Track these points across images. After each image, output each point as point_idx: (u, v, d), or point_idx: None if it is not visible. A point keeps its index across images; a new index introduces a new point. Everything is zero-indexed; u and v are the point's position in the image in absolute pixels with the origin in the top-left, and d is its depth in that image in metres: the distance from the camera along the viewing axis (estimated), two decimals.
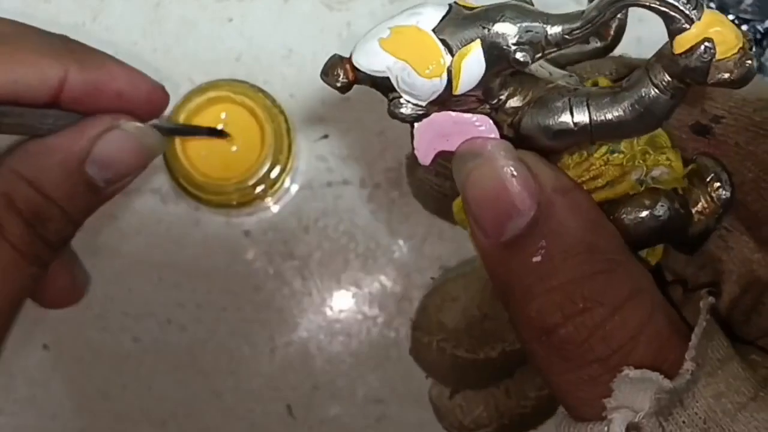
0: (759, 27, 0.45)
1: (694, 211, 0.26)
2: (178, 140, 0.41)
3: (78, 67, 0.30)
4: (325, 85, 0.46)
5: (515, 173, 0.23)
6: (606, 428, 0.23)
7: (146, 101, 0.33)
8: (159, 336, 0.46)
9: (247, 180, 0.41)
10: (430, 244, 0.46)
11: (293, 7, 0.46)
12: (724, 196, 0.25)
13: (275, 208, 0.46)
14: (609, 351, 0.23)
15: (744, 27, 0.45)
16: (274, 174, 0.42)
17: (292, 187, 0.45)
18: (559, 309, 0.23)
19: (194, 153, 0.41)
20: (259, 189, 0.42)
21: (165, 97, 0.34)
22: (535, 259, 0.23)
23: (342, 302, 0.46)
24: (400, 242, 0.46)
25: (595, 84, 0.25)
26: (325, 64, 0.26)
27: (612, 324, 0.23)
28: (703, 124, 0.26)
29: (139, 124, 0.32)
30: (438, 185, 0.31)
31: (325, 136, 0.46)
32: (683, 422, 0.23)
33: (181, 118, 0.41)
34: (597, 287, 0.23)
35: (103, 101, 0.31)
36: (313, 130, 0.45)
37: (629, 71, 0.26)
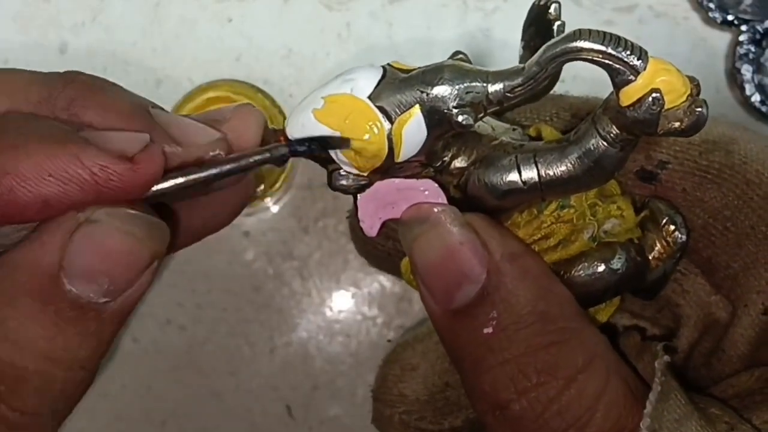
0: (758, 27, 0.45)
1: (651, 257, 0.25)
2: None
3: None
4: None
5: (463, 240, 0.23)
6: None
7: (93, 184, 0.21)
8: (158, 336, 0.46)
9: None
10: None
11: (293, 7, 0.46)
12: (680, 240, 0.25)
13: (275, 209, 0.46)
14: (565, 425, 0.22)
15: (743, 27, 0.45)
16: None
17: (291, 187, 0.45)
18: (513, 383, 0.22)
19: None
20: (258, 189, 0.42)
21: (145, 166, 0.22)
22: (486, 331, 0.23)
23: (341, 303, 0.46)
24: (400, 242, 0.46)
25: (538, 133, 0.25)
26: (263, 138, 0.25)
27: (567, 397, 0.22)
28: (648, 171, 0.25)
29: (113, 209, 0.22)
30: (382, 245, 0.30)
31: None
32: None
33: None
34: (550, 359, 0.22)
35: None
36: None
37: (571, 114, 0.26)
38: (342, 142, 0.23)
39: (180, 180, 0.22)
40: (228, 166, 0.23)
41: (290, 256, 0.46)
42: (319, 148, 0.24)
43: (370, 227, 0.25)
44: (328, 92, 0.23)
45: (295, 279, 0.46)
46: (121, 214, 0.22)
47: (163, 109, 0.24)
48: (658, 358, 0.24)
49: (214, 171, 0.23)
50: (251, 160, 0.23)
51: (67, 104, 0.22)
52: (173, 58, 0.45)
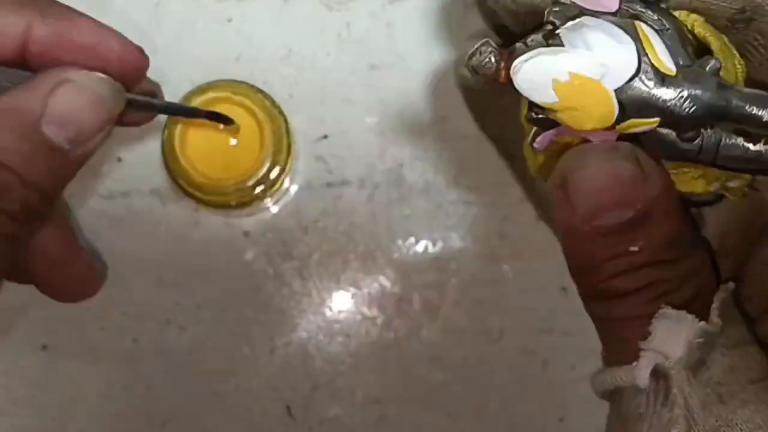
0: None
1: None
2: (177, 140, 0.41)
3: (42, 19, 0.29)
4: (325, 86, 0.46)
5: (627, 172, 0.25)
6: (633, 369, 0.25)
7: (119, 58, 0.30)
8: (158, 336, 0.46)
9: (246, 180, 0.41)
10: (429, 245, 0.46)
11: (293, 7, 0.46)
12: None
13: (275, 209, 0.46)
14: (669, 301, 0.26)
15: None
16: (273, 174, 0.42)
17: (291, 187, 0.45)
18: (640, 281, 0.26)
19: (193, 153, 0.41)
20: (258, 189, 0.42)
21: (141, 58, 0.31)
22: (631, 248, 0.26)
23: (341, 303, 0.46)
24: (400, 243, 0.46)
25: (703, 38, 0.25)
26: (479, 50, 0.24)
27: (677, 293, 0.26)
28: None
29: (93, 75, 0.29)
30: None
31: (325, 137, 0.46)
32: (704, 381, 0.24)
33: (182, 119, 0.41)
34: (672, 270, 0.26)
35: (69, 57, 0.29)
36: (313, 131, 0.45)
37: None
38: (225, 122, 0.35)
39: (145, 100, 0.34)
40: (177, 108, 0.37)
41: (290, 256, 0.46)
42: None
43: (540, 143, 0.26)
44: (576, 66, 0.23)
45: (294, 279, 0.46)
46: (94, 77, 0.29)
47: None
48: (723, 285, 0.27)
49: (167, 106, 0.37)
50: (198, 112, 0.37)
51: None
52: (173, 59, 0.45)
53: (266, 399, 0.46)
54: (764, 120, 0.23)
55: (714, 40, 0.25)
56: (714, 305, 0.26)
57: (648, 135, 0.24)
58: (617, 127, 0.24)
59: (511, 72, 0.23)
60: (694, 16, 0.25)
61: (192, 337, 0.46)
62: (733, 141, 0.24)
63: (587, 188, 0.26)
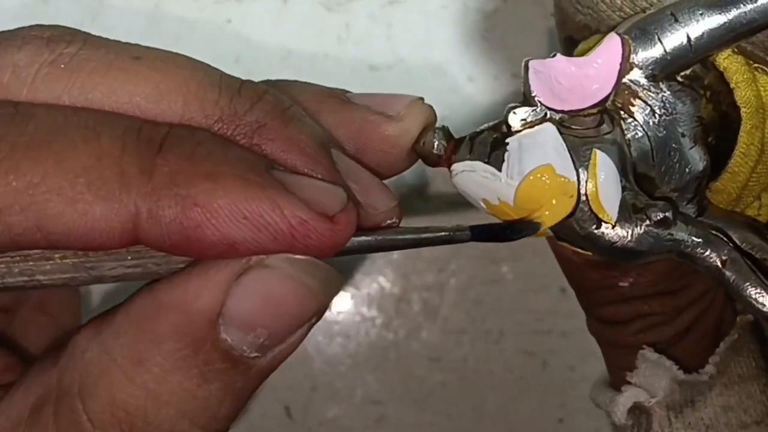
0: None
1: None
2: None
3: (155, 206, 0.18)
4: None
5: None
6: (615, 399, 0.24)
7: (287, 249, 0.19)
8: None
9: None
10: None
11: (292, 8, 0.46)
12: None
13: None
14: (660, 337, 0.26)
15: None
16: None
17: None
18: (631, 313, 0.26)
19: None
20: None
21: (333, 231, 0.20)
22: (621, 284, 0.25)
23: (340, 303, 0.46)
24: None
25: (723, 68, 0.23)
26: (432, 133, 0.23)
27: (667, 325, 0.26)
28: None
29: (294, 257, 0.19)
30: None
31: None
32: (689, 423, 0.24)
33: None
34: (662, 302, 0.26)
35: (205, 254, 0.19)
36: None
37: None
38: (533, 228, 0.22)
39: (369, 241, 0.21)
40: (407, 238, 0.21)
41: None
42: (503, 236, 0.22)
43: None
44: (505, 197, 0.22)
45: None
46: (301, 261, 0.19)
47: (342, 149, 0.22)
48: (741, 316, 0.26)
49: (396, 240, 0.21)
50: (431, 237, 0.21)
51: (252, 131, 0.20)
52: None
53: (265, 400, 0.46)
54: (713, 266, 0.22)
55: (747, 120, 0.22)
56: (716, 352, 0.25)
57: None
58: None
59: (449, 169, 0.23)
60: (741, 77, 0.23)
61: None
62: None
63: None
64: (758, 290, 0.22)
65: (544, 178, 0.21)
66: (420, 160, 0.23)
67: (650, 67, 0.22)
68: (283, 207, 0.18)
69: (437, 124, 0.23)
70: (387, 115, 0.23)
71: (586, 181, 0.21)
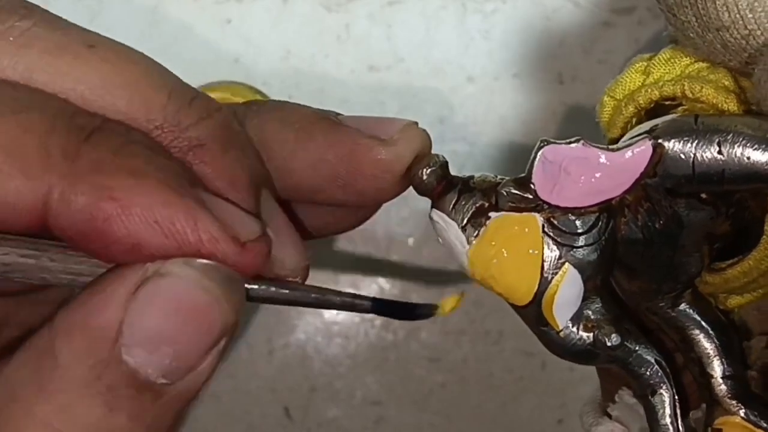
0: None
1: None
2: None
3: (72, 189, 0.17)
4: (324, 87, 0.46)
5: None
6: (593, 430, 0.24)
7: (212, 245, 0.18)
8: None
9: None
10: (428, 246, 0.46)
11: (292, 8, 0.46)
12: None
13: None
14: None
15: None
16: None
17: None
18: None
19: None
20: None
21: (253, 250, 0.19)
22: None
23: None
24: (398, 244, 0.46)
25: None
26: (431, 161, 0.22)
27: None
28: None
29: (192, 261, 0.18)
30: None
31: None
32: None
33: None
34: None
35: (113, 248, 0.18)
36: None
37: None
38: (430, 314, 0.22)
39: (270, 291, 0.20)
40: (310, 296, 0.21)
41: None
42: (401, 315, 0.22)
43: None
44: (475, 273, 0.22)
45: None
46: (198, 264, 0.18)
47: (274, 191, 0.21)
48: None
49: (296, 296, 0.21)
50: (333, 300, 0.21)
51: (190, 148, 0.19)
52: (172, 60, 0.45)
53: (264, 400, 0.46)
54: (646, 385, 0.22)
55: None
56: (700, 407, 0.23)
57: None
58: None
59: (432, 206, 0.22)
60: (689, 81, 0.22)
61: None
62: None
63: None
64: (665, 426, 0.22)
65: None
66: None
67: (671, 183, 0.20)
68: (197, 219, 0.18)
69: (436, 156, 0.22)
70: (380, 138, 0.21)
71: (547, 287, 0.21)
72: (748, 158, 0.19)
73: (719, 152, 0.20)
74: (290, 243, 0.21)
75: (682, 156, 0.20)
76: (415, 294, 0.46)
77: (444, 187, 0.22)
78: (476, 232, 0.21)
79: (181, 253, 0.18)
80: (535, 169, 0.21)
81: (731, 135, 0.20)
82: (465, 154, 0.45)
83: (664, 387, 0.22)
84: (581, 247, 0.21)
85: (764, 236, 0.21)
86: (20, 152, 0.17)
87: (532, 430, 0.46)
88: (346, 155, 0.21)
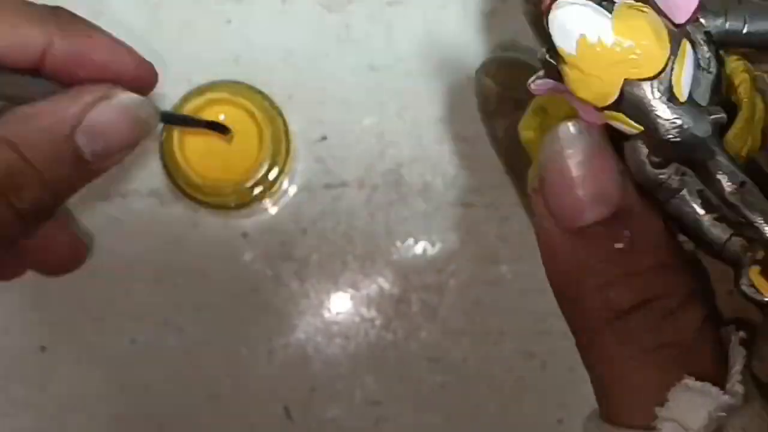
0: None
1: None
2: (176, 141, 0.41)
3: (62, 35, 0.30)
4: (324, 87, 0.46)
5: (603, 165, 0.24)
6: None
7: (133, 77, 0.32)
8: (156, 337, 0.46)
9: (245, 182, 0.41)
10: (428, 246, 0.46)
11: (292, 8, 0.46)
12: None
13: (273, 210, 0.46)
14: (680, 338, 0.23)
15: None
16: (272, 176, 0.42)
17: (290, 188, 0.45)
18: (639, 294, 0.23)
19: (192, 154, 0.41)
20: (257, 191, 0.42)
21: (152, 73, 0.33)
22: (617, 246, 0.23)
23: (340, 304, 0.46)
24: (398, 244, 0.46)
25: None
26: None
27: (683, 315, 0.23)
28: None
29: (135, 96, 0.31)
30: None
31: (324, 138, 0.46)
32: None
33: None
34: (671, 279, 0.24)
35: (85, 73, 0.30)
36: (312, 132, 0.45)
37: None
38: (223, 131, 0.35)
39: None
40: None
41: (288, 257, 0.46)
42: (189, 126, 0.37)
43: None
44: (608, 39, 0.23)
45: (293, 280, 0.46)
46: (136, 99, 0.31)
47: None
48: (733, 343, 0.24)
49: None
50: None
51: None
52: (172, 60, 0.45)
53: (264, 400, 0.46)
54: (726, 192, 0.22)
55: (746, 110, 0.24)
56: (735, 369, 0.23)
57: (627, 143, 0.24)
58: (606, 113, 0.23)
59: (553, 4, 0.22)
60: (745, 76, 0.24)
61: (190, 338, 0.46)
62: (690, 200, 0.24)
63: (565, 182, 0.24)
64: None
65: (647, 20, 0.22)
66: None
67: (709, 29, 0.23)
68: (136, 55, 0.33)
69: None
70: None
71: (674, 63, 0.22)
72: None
73: (739, 2, 0.24)
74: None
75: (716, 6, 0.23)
76: (415, 294, 0.46)
77: None
78: (610, 7, 0.22)
79: (125, 69, 0.31)
80: None
81: None
82: (465, 155, 0.45)
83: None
84: (688, 35, 0.23)
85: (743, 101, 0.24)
86: (27, 12, 0.29)
87: (531, 430, 0.46)
88: None
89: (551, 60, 0.23)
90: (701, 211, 0.24)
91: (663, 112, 0.22)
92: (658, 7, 0.23)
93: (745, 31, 0.24)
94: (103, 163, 0.31)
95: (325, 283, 0.46)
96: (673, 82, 0.22)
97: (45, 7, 0.30)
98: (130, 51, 0.32)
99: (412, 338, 0.46)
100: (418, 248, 0.46)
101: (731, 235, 0.23)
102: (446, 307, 0.46)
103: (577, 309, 0.25)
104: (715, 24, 0.24)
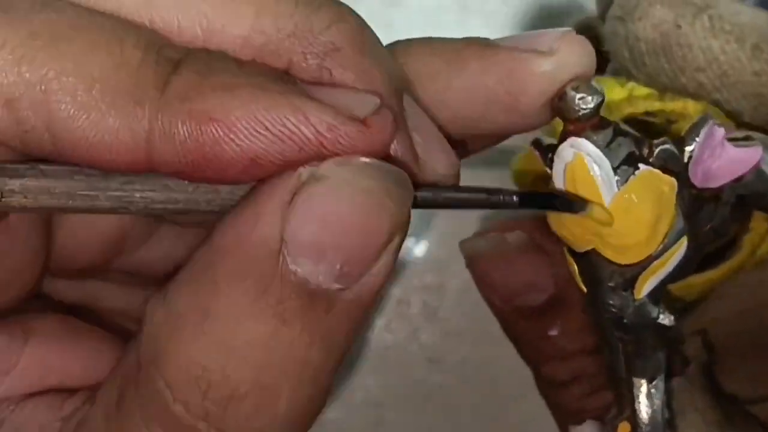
0: None
1: None
2: None
3: (163, 122, 0.17)
4: None
5: (532, 259, 0.25)
6: None
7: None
8: None
9: None
10: (428, 247, 0.46)
11: None
12: None
13: None
14: (602, 412, 0.24)
15: None
16: None
17: None
18: (569, 373, 0.26)
19: None
20: None
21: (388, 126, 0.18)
22: (551, 332, 0.25)
23: None
24: None
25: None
26: (589, 88, 0.20)
27: (606, 393, 0.24)
28: None
29: (345, 159, 0.17)
30: None
31: None
32: None
33: None
34: (598, 361, 0.25)
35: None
36: None
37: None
38: (581, 207, 0.20)
39: (428, 196, 0.19)
40: (450, 197, 0.19)
41: None
42: (551, 208, 0.21)
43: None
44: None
45: None
46: (354, 164, 0.17)
47: (414, 96, 0.20)
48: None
49: (454, 197, 0.19)
50: (483, 199, 0.19)
51: (325, 53, 0.18)
52: None
53: None
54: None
55: (737, 261, 0.24)
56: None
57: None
58: (566, 250, 0.21)
59: (570, 138, 0.20)
60: (764, 226, 0.24)
61: None
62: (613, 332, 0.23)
63: (492, 280, 0.26)
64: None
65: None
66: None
67: (747, 191, 0.22)
68: (307, 112, 0.16)
69: (595, 84, 0.20)
70: (538, 51, 0.20)
71: (653, 260, 0.20)
72: None
73: None
74: (439, 147, 0.19)
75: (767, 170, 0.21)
76: (416, 295, 0.46)
77: (599, 121, 0.20)
78: (624, 178, 0.20)
79: (304, 152, 0.16)
80: (701, 137, 0.20)
81: None
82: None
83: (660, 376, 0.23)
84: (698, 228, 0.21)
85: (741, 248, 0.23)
86: (115, 89, 0.16)
87: (532, 431, 0.46)
88: (505, 75, 0.20)
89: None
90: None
91: (610, 297, 0.21)
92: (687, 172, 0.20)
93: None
94: (358, 290, 0.17)
95: None
96: (639, 279, 0.21)
97: (149, 70, 0.17)
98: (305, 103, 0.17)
99: (413, 339, 0.46)
100: (419, 248, 0.46)
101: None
102: (446, 308, 0.46)
103: (523, 357, 0.28)
104: (755, 190, 0.22)
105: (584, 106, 0.19)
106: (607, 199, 0.20)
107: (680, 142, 0.20)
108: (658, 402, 0.22)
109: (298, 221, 0.16)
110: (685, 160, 0.20)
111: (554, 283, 0.25)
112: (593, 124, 0.20)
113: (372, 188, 0.17)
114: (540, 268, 0.25)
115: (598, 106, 0.19)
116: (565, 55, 0.20)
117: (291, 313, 0.17)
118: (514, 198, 0.19)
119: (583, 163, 0.20)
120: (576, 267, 0.21)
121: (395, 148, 0.18)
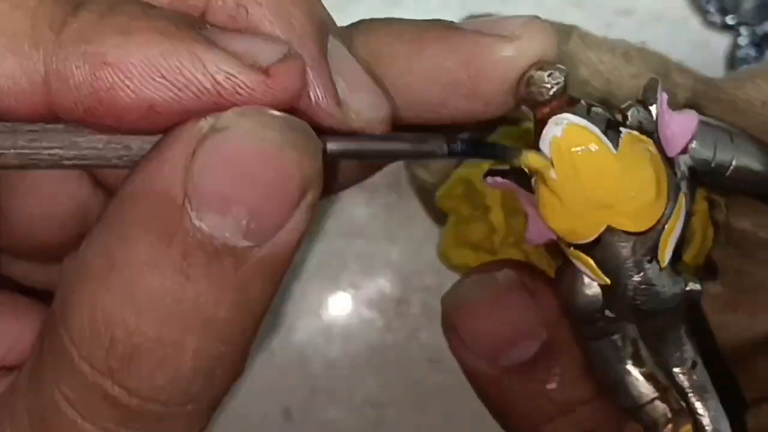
0: (757, 30, 0.45)
1: None
2: None
3: (61, 66, 0.16)
4: None
5: (514, 302, 0.22)
6: None
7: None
8: None
9: None
10: (428, 247, 0.46)
11: None
12: None
13: None
14: None
15: (743, 30, 0.45)
16: None
17: None
18: (576, 428, 0.23)
19: None
20: None
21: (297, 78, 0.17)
22: (549, 386, 0.23)
23: (340, 305, 0.46)
24: (399, 245, 0.46)
25: None
26: (553, 70, 0.20)
27: None
28: None
29: (244, 109, 0.16)
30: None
31: None
32: None
33: None
34: (605, 408, 0.23)
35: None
36: None
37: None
38: (511, 153, 0.20)
39: (341, 146, 0.17)
40: (384, 147, 0.18)
41: None
42: (486, 154, 0.20)
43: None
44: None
45: (293, 281, 0.46)
46: (257, 115, 0.16)
47: (346, 41, 0.19)
48: None
49: (373, 147, 0.18)
50: (408, 148, 0.18)
51: None
52: None
53: (264, 402, 0.46)
54: (675, 370, 0.21)
55: (695, 245, 0.23)
56: None
57: (567, 266, 0.22)
58: (571, 250, 0.21)
59: (552, 118, 0.20)
60: (704, 205, 0.24)
61: None
62: (621, 347, 0.22)
63: (480, 329, 0.23)
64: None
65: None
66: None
67: (695, 163, 0.22)
68: (204, 61, 0.16)
69: (557, 64, 0.20)
70: (501, 35, 0.19)
71: (667, 221, 0.20)
72: (753, 153, 0.22)
73: (732, 141, 0.22)
74: (365, 90, 0.19)
75: (709, 138, 0.21)
76: (415, 295, 0.46)
77: (569, 99, 0.20)
78: (614, 143, 0.20)
79: (201, 101, 0.16)
80: (660, 95, 0.20)
81: (739, 133, 0.22)
82: None
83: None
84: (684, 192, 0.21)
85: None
86: (10, 31, 0.16)
87: None
88: (466, 59, 0.20)
89: (525, 169, 0.20)
90: (629, 362, 0.22)
91: (639, 274, 0.20)
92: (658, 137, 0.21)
93: (731, 168, 0.22)
94: (271, 246, 0.17)
95: (325, 283, 0.46)
96: (660, 244, 0.20)
97: (46, 10, 0.17)
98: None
99: (413, 339, 0.46)
100: (419, 249, 0.46)
101: (654, 399, 0.22)
102: None
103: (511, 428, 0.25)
104: (702, 158, 0.21)
105: (554, 81, 0.19)
106: (609, 159, 0.19)
107: (642, 103, 0.21)
108: (713, 392, 0.22)
109: (200, 173, 0.16)
110: (654, 118, 0.20)
111: (545, 327, 0.23)
112: (566, 101, 0.20)
113: (274, 138, 0.16)
114: (530, 311, 0.23)
115: (566, 79, 0.19)
116: (527, 41, 0.19)
117: (196, 269, 0.16)
118: (444, 147, 0.18)
119: (579, 128, 0.19)
120: (591, 260, 0.20)
121: (315, 94, 0.17)
